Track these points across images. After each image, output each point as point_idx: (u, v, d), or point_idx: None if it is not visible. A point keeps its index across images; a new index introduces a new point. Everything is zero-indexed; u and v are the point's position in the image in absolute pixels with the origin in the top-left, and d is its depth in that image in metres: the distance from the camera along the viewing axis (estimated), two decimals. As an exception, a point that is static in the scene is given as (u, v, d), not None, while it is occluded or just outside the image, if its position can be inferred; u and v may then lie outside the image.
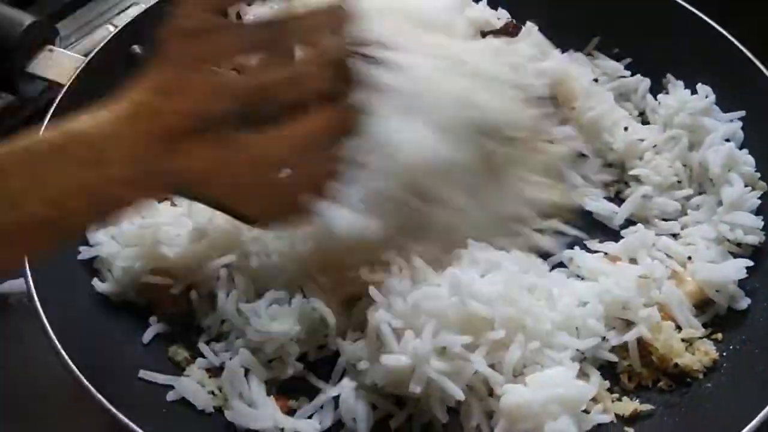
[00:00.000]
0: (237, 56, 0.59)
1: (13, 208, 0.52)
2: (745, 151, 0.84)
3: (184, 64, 0.56)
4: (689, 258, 0.78)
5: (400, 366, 0.65)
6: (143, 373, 0.69)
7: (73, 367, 0.63)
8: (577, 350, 0.69)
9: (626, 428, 0.68)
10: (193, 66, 0.56)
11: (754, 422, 0.62)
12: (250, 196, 0.60)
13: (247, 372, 0.69)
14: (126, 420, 0.60)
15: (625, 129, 0.87)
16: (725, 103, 0.88)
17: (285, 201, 0.62)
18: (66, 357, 0.63)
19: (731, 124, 0.86)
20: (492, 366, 0.66)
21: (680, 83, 0.91)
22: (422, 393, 0.65)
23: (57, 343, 0.64)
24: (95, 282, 0.75)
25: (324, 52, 0.59)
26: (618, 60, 0.95)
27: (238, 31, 0.60)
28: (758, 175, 0.83)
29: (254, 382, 0.68)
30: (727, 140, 0.85)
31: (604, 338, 0.71)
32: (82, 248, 0.76)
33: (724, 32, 0.89)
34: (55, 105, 0.80)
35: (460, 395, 0.65)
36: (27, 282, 0.69)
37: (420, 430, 0.68)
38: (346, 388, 0.68)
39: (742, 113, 0.87)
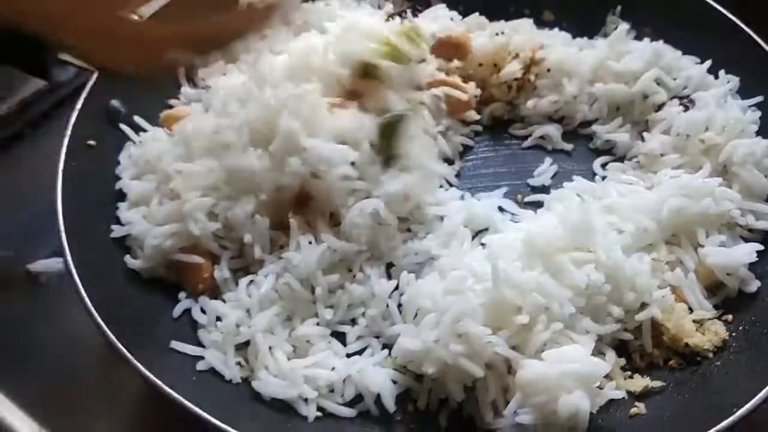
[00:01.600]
0: None
1: None
2: (761, 138, 0.86)
3: None
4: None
5: (415, 348, 0.67)
6: (174, 344, 0.72)
7: (112, 337, 0.66)
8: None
9: (637, 403, 0.70)
10: None
11: (760, 394, 0.64)
12: (105, 41, 0.61)
13: (271, 348, 0.71)
14: (160, 384, 0.63)
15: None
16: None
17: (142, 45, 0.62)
18: (104, 326, 0.66)
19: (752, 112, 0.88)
20: (514, 348, 0.69)
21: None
22: (439, 372, 0.68)
23: (95, 313, 0.67)
24: (127, 259, 0.78)
25: None
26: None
27: None
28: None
29: (278, 354, 0.71)
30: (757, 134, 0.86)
31: (621, 320, 0.73)
32: (114, 227, 0.79)
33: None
34: (87, 89, 0.83)
35: (479, 373, 0.67)
36: (65, 258, 0.71)
37: (437, 403, 0.71)
38: (366, 363, 0.71)
39: (760, 98, 0.89)
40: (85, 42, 0.60)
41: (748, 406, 0.64)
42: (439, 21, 0.96)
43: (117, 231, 0.79)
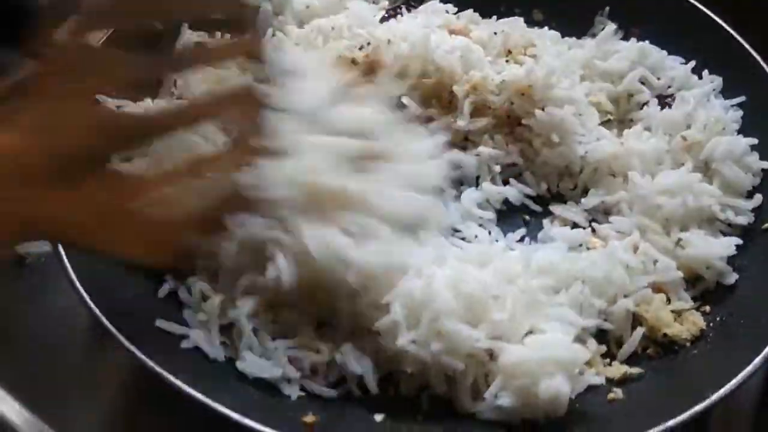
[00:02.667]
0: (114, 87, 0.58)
1: None
2: (741, 137, 0.88)
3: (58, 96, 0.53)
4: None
5: (393, 349, 0.69)
6: (159, 323, 0.72)
7: (98, 313, 0.66)
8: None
9: (615, 389, 0.72)
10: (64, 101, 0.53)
11: (734, 380, 0.66)
12: (125, 236, 0.57)
13: (255, 330, 0.72)
14: (146, 359, 0.64)
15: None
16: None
17: (168, 238, 0.58)
18: (91, 303, 0.67)
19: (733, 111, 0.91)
20: (495, 338, 0.69)
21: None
22: (419, 369, 0.69)
23: (81, 290, 0.68)
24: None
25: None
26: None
27: (114, 62, 0.57)
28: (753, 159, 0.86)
29: (263, 335, 0.72)
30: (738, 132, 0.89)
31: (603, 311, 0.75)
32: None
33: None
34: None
35: (460, 367, 0.68)
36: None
37: (418, 387, 0.72)
38: (349, 347, 0.72)
39: (742, 98, 0.91)
40: (93, 239, 0.57)
41: (722, 391, 0.65)
42: (438, 14, 0.97)
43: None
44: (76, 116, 0.52)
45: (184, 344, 0.72)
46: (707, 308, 0.79)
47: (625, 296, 0.76)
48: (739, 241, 0.81)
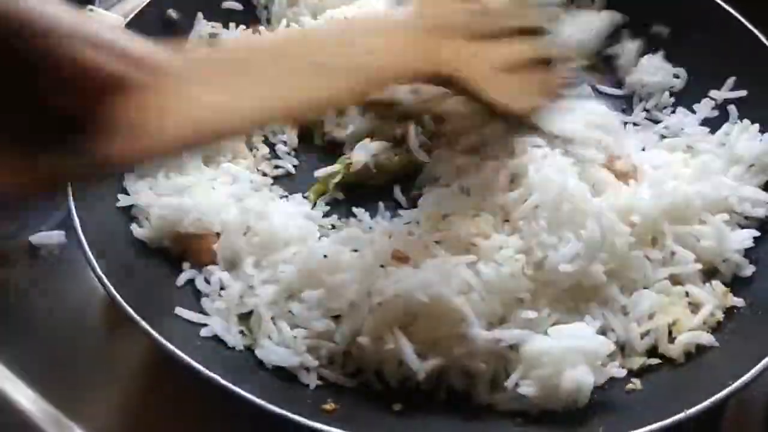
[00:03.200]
0: None
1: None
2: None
3: None
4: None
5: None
6: (179, 311, 0.72)
7: (119, 298, 0.66)
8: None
9: (633, 380, 0.72)
10: None
11: (750, 373, 0.66)
12: (491, 85, 0.73)
13: (273, 318, 0.72)
14: (167, 344, 0.64)
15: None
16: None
17: (522, 93, 0.76)
18: (111, 288, 0.67)
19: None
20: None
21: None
22: (438, 370, 0.69)
23: (103, 276, 0.68)
24: (134, 227, 0.79)
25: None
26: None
27: None
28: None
29: (282, 324, 0.72)
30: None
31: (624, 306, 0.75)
32: (120, 196, 0.80)
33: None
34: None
35: (482, 368, 0.68)
36: (75, 226, 0.72)
37: (436, 381, 0.71)
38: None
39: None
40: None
41: (739, 382, 0.65)
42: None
43: (123, 200, 0.79)
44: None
45: (204, 332, 0.72)
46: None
47: (645, 288, 0.76)
48: (757, 233, 0.81)
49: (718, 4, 0.94)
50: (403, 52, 0.69)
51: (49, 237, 0.88)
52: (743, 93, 0.92)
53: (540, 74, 0.77)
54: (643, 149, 0.89)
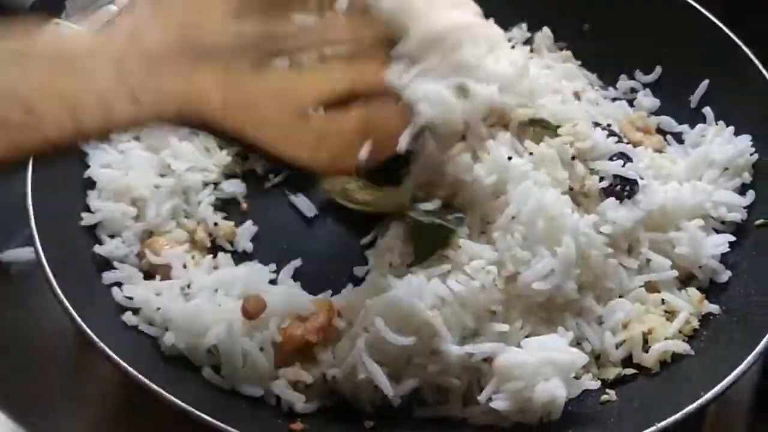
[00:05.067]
0: None
1: None
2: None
3: None
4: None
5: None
6: (144, 327, 0.71)
7: (80, 322, 0.65)
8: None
9: (608, 390, 0.71)
10: None
11: (723, 383, 0.65)
12: (278, 131, 0.56)
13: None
14: (130, 369, 0.63)
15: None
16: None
17: (327, 142, 0.59)
18: (72, 311, 0.66)
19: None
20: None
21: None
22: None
23: (64, 299, 0.67)
24: (96, 247, 0.77)
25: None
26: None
27: None
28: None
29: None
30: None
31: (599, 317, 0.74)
32: (84, 215, 0.78)
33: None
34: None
35: (456, 384, 0.68)
36: (35, 245, 0.71)
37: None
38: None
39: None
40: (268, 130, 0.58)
41: (714, 390, 0.64)
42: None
43: (86, 219, 0.78)
44: None
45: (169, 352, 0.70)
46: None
47: (621, 296, 0.75)
48: (732, 238, 0.80)
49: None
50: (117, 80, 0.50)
51: (19, 254, 0.87)
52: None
53: (364, 111, 0.61)
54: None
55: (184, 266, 0.76)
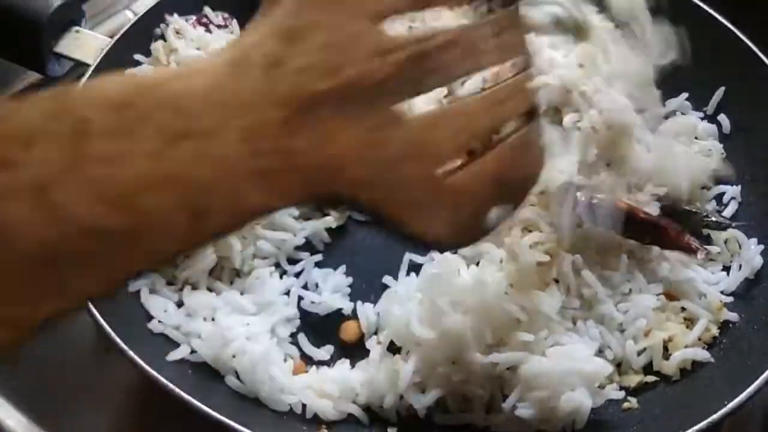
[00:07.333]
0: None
1: (53, 224, 0.33)
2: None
3: (330, 4, 0.37)
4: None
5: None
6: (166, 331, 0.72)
7: (105, 325, 0.66)
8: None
9: (629, 398, 0.71)
10: (343, 8, 0.37)
11: (747, 391, 0.65)
12: (414, 199, 0.40)
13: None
14: (153, 372, 0.63)
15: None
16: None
17: (464, 210, 0.42)
18: (97, 314, 0.66)
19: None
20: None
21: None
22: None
23: (92, 307, 0.67)
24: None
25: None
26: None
27: None
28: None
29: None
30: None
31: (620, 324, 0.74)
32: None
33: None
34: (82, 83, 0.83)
35: (480, 392, 0.68)
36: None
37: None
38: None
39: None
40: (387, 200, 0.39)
41: (737, 399, 0.65)
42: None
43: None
44: (353, 28, 0.37)
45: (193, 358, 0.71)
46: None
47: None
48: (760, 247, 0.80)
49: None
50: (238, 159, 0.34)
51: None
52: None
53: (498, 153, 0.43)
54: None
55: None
